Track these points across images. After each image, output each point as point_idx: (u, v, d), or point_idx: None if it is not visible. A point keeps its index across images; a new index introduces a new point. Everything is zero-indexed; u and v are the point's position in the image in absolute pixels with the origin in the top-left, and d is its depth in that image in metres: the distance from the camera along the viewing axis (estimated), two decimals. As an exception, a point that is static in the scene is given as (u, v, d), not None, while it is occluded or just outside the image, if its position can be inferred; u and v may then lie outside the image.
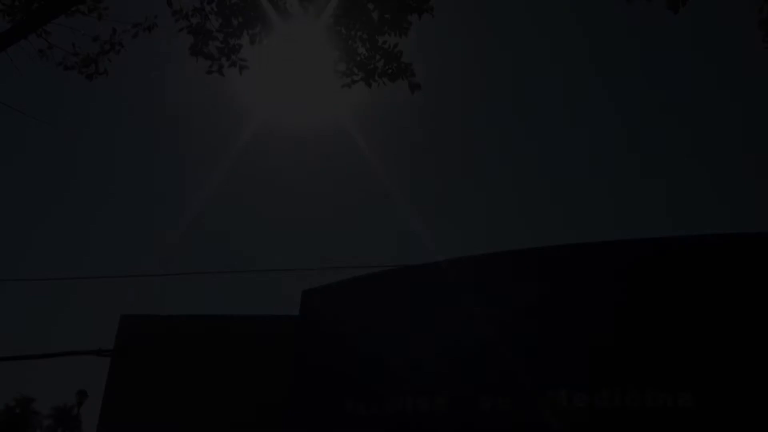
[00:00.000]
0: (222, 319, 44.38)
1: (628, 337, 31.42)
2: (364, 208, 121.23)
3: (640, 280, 30.96)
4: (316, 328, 37.31)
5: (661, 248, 32.82)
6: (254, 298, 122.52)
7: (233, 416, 41.03)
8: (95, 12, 14.67)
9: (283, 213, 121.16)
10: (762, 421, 28.51)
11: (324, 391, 37.58)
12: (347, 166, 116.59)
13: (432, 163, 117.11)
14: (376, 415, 35.70)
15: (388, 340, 36.09)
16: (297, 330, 40.21)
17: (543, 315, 31.44)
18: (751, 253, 30.13)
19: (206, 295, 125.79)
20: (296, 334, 40.15)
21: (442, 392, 34.27)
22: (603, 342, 31.89)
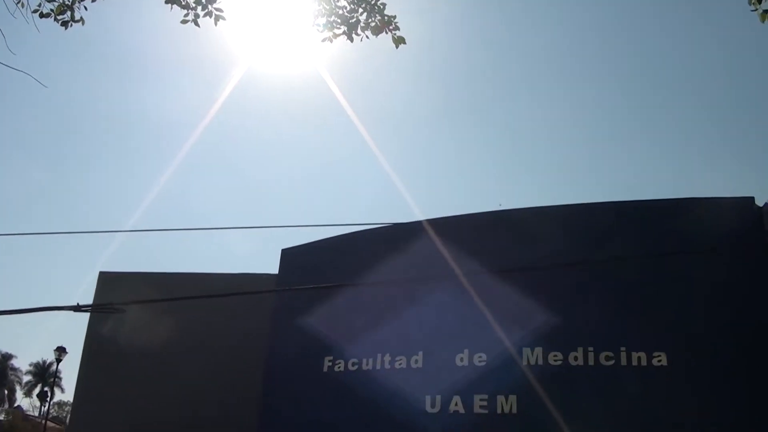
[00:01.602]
0: (201, 276, 44.40)
1: (603, 300, 31.87)
2: (345, 164, 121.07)
3: (610, 244, 31.26)
4: (295, 286, 37.37)
5: (631, 212, 33.17)
6: (232, 256, 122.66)
7: (212, 371, 41.26)
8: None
9: (263, 169, 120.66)
10: (730, 381, 29.23)
11: (302, 348, 37.83)
12: (328, 121, 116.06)
13: (416, 121, 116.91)
14: (354, 373, 36.08)
15: (365, 299, 36.31)
16: (276, 288, 40.28)
17: (520, 276, 31.68)
18: (715, 218, 30.58)
19: (184, 253, 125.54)
20: (275, 292, 40.25)
21: (419, 350, 34.68)
22: (579, 304, 32.36)
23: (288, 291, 38.47)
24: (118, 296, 35.34)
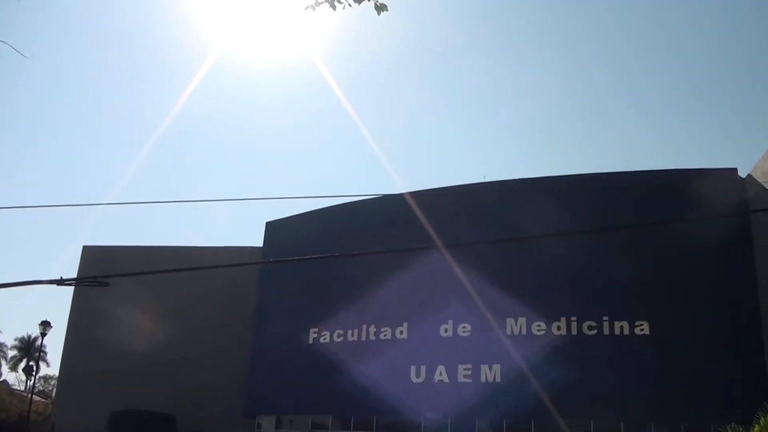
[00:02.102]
0: (186, 250, 44.32)
1: (585, 270, 32.10)
2: (328, 138, 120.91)
3: (594, 215, 31.41)
4: (279, 258, 37.39)
5: (616, 183, 33.30)
6: (217, 229, 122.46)
7: (197, 344, 41.36)
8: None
9: (245, 144, 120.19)
10: (712, 349, 29.62)
11: (288, 320, 37.97)
12: (310, 94, 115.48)
13: (400, 93, 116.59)
14: (339, 344, 36.28)
15: (350, 271, 36.41)
16: (261, 260, 40.27)
17: (503, 247, 31.87)
18: (700, 189, 30.77)
19: (169, 227, 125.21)
20: (260, 265, 40.27)
21: (404, 321, 34.91)
22: (563, 275, 32.59)
23: (272, 264, 38.47)
24: (101, 270, 35.19)
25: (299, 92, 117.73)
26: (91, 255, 46.56)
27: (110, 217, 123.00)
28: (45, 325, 37.25)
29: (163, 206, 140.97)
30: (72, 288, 47.11)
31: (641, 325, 31.16)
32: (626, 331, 31.31)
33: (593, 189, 33.16)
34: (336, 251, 31.55)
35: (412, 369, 33.68)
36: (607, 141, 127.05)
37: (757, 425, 11.92)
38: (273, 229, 42.25)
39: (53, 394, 63.90)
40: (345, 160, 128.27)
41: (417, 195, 36.00)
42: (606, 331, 31.54)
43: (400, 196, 36.07)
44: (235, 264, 35.30)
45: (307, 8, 12.67)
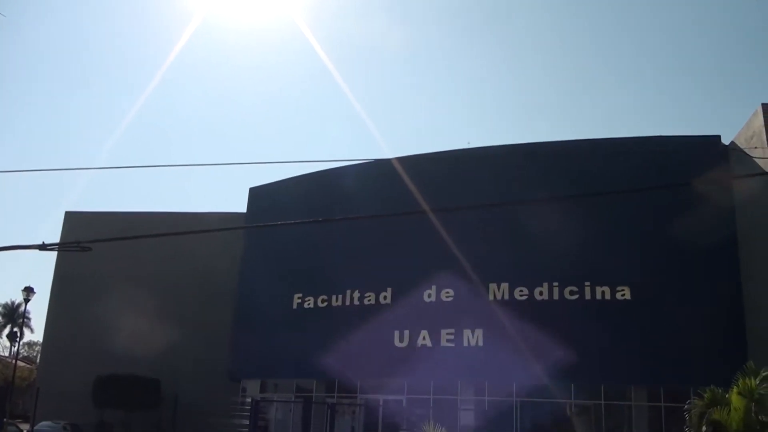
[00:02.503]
0: (169, 215, 44.15)
1: (567, 236, 32.26)
2: (313, 102, 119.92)
3: (578, 180, 31.50)
4: (263, 224, 37.35)
5: (600, 149, 33.36)
6: (201, 196, 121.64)
7: (181, 309, 41.42)
8: None
9: (230, 110, 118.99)
10: (692, 314, 29.98)
11: (272, 286, 38.02)
12: (296, 59, 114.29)
13: (386, 59, 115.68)
14: (324, 309, 36.41)
15: (334, 236, 36.42)
16: (245, 226, 40.20)
17: (486, 213, 31.93)
18: (683, 155, 30.93)
19: (152, 193, 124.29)
20: (244, 230, 40.17)
21: (388, 286, 35.07)
22: (545, 241, 32.73)
23: (256, 229, 38.39)
24: (84, 235, 35.00)
25: (284, 57, 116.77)
26: (74, 221, 46.37)
27: (94, 184, 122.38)
28: (28, 291, 37.07)
29: (146, 173, 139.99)
30: (55, 254, 46.94)
31: (623, 290, 31.46)
32: (608, 296, 31.62)
33: (577, 156, 33.16)
34: (320, 217, 31.52)
35: (396, 333, 33.92)
36: (591, 108, 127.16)
37: (735, 387, 12.07)
38: (257, 194, 42.14)
39: (37, 360, 63.92)
40: (330, 125, 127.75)
41: (402, 161, 35.92)
42: (588, 296, 31.83)
43: (385, 161, 36.01)
44: (219, 229, 35.24)
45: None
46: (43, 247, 15.55)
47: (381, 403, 36.15)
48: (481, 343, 32.33)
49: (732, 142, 31.94)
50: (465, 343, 32.60)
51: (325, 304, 36.35)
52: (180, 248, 40.89)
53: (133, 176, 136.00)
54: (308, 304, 36.82)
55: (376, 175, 35.76)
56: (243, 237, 40.84)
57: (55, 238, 47.24)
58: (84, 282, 43.53)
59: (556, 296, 32.08)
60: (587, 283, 31.87)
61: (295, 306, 37.25)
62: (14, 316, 75.29)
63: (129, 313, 41.13)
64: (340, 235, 36.12)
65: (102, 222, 43.00)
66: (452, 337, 32.89)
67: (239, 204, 76.52)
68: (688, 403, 13.24)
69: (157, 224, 38.98)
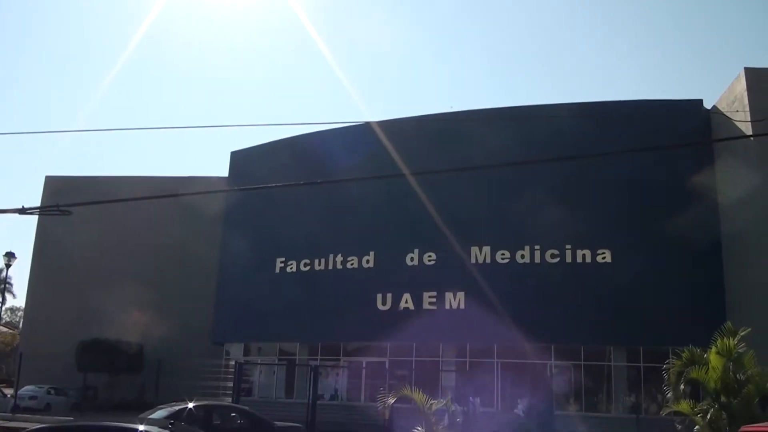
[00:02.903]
0: (150, 179, 43.86)
1: (548, 199, 32.44)
2: (294, 65, 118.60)
3: (559, 144, 31.51)
4: (245, 188, 37.28)
5: (581, 113, 33.39)
6: (183, 159, 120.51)
7: (163, 272, 41.35)
8: None
9: (210, 71, 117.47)
10: (670, 275, 30.39)
11: (254, 250, 37.99)
12: (276, 21, 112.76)
13: (368, 21, 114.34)
14: (306, 273, 36.50)
15: (316, 200, 36.37)
16: (226, 189, 40.04)
17: (469, 176, 31.99)
18: (666, 119, 31.06)
19: (134, 157, 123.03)
20: (225, 194, 40.03)
21: (371, 250, 35.18)
22: (527, 204, 32.89)
23: (239, 193, 38.27)
24: (65, 199, 34.77)
25: (266, 21, 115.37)
26: (55, 185, 45.94)
27: (74, 148, 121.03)
28: (9, 256, 36.91)
29: (127, 137, 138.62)
30: (36, 219, 46.61)
31: (603, 253, 31.81)
32: (588, 259, 31.96)
33: (558, 119, 33.10)
34: (302, 180, 31.41)
35: (378, 297, 34.13)
36: (573, 72, 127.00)
37: (714, 347, 12.27)
38: (239, 158, 41.91)
39: (20, 325, 63.78)
40: (312, 89, 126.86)
41: (384, 124, 35.81)
42: (568, 259, 32.16)
43: (367, 125, 35.88)
44: (201, 192, 35.04)
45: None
46: (23, 211, 15.42)
47: (364, 365, 36.52)
48: (462, 306, 32.64)
49: (714, 107, 32.06)
50: (447, 306, 32.90)
51: (308, 268, 36.44)
52: (162, 212, 40.73)
53: (114, 140, 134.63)
54: (291, 269, 36.90)
55: (359, 139, 35.63)
56: (225, 201, 40.71)
57: (36, 202, 46.80)
58: (66, 247, 43.29)
59: (537, 259, 32.39)
60: (568, 247, 32.18)
61: (277, 270, 37.32)
62: (-5, 282, 74.92)
63: (112, 278, 41.01)
64: (323, 199, 36.07)
65: (83, 186, 42.58)
66: (434, 300, 33.15)
67: (221, 169, 76.24)
68: (667, 363, 13.44)
69: (138, 188, 38.65)
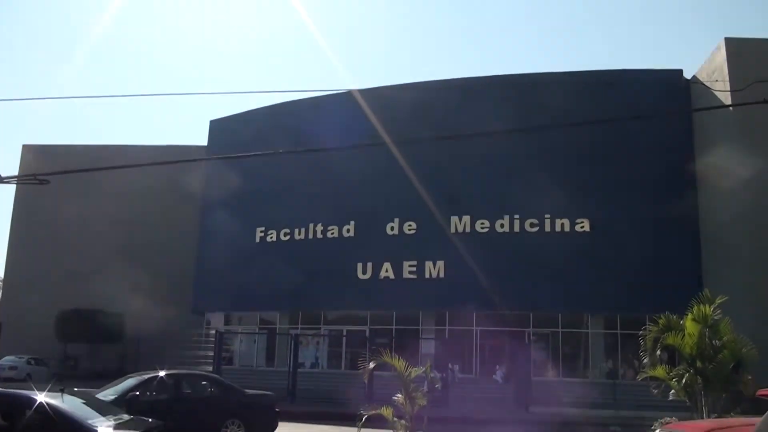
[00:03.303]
0: (129, 148, 43.49)
1: (528, 169, 32.59)
2: (273, 32, 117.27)
3: (539, 113, 31.52)
4: (224, 156, 36.99)
5: (562, 82, 33.41)
6: (162, 129, 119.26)
7: (144, 243, 41.15)
8: None
9: (188, 42, 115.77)
10: (648, 245, 30.74)
11: (234, 219, 37.84)
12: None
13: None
14: (287, 242, 36.47)
15: (296, 169, 36.22)
16: (205, 158, 39.76)
17: (449, 145, 32.00)
18: (645, 89, 31.16)
19: (112, 126, 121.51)
20: (205, 163, 39.74)
21: (351, 219, 35.18)
22: (507, 174, 33.02)
23: (218, 162, 37.98)
24: (42, 168, 34.41)
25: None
26: (32, 154, 45.48)
27: (51, 116, 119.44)
28: (-14, 225, 36.56)
29: (106, 106, 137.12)
30: (13, 188, 46.20)
31: (582, 222, 32.09)
32: (567, 229, 32.25)
33: (537, 88, 33.08)
34: (282, 149, 31.22)
35: (359, 266, 34.23)
36: (552, 40, 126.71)
37: (690, 314, 12.44)
38: (217, 127, 41.58)
39: (-1, 295, 63.40)
40: (292, 57, 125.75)
41: (365, 93, 35.65)
42: (548, 229, 32.43)
43: (349, 93, 35.67)
44: (180, 160, 34.74)
45: None
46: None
47: (344, 333, 36.76)
48: (442, 275, 32.87)
49: (694, 77, 32.21)
50: (427, 275, 33.11)
51: (288, 237, 36.41)
52: (142, 182, 40.39)
53: (93, 109, 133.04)
54: (271, 238, 36.86)
55: (340, 107, 35.43)
56: (204, 170, 40.44)
57: (13, 171, 46.29)
58: (44, 216, 42.98)
59: (516, 229, 32.61)
60: (547, 216, 32.41)
61: (257, 240, 37.27)
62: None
63: (91, 247, 40.77)
64: (303, 168, 35.91)
65: (61, 155, 42.09)
66: (414, 269, 33.33)
67: (201, 138, 75.55)
68: (644, 329, 13.62)
69: (117, 157, 38.31)
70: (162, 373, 14.83)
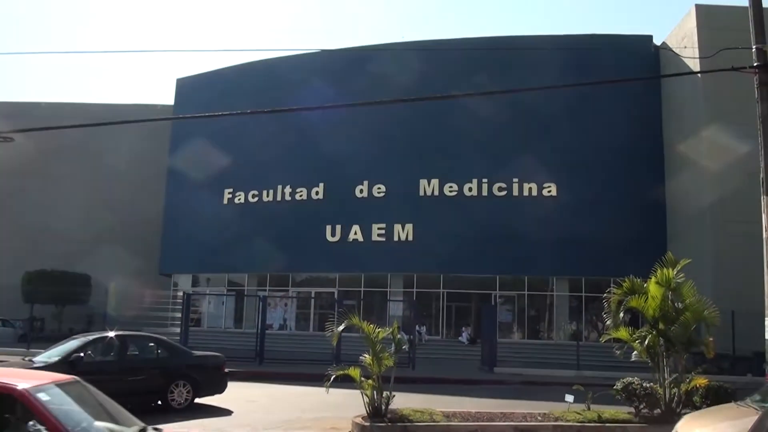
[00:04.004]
0: (94, 106, 42.70)
1: (497, 133, 32.71)
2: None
3: (508, 76, 31.49)
4: (190, 115, 36.52)
5: (532, 46, 33.34)
6: (128, 87, 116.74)
7: (111, 203, 40.63)
8: None
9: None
10: (612, 208, 31.12)
11: (201, 180, 37.47)
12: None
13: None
14: (255, 204, 36.26)
15: (265, 130, 35.91)
16: (171, 117, 39.19)
17: (417, 107, 32.02)
18: (615, 54, 31.28)
19: (77, 83, 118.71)
20: (172, 123, 39.14)
21: (320, 181, 35.05)
22: (475, 138, 33.09)
23: (185, 122, 37.47)
24: (6, 126, 33.70)
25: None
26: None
27: (16, 73, 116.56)
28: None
29: (72, 63, 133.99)
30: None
31: (549, 186, 32.41)
32: (534, 193, 32.56)
33: (507, 51, 32.92)
34: (249, 109, 30.86)
35: (328, 228, 34.22)
36: (522, 3, 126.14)
37: (653, 277, 12.60)
38: (185, 86, 40.89)
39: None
40: (263, 15, 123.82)
41: (335, 53, 35.36)
42: (515, 193, 32.71)
43: (318, 53, 35.29)
44: (146, 119, 34.26)
45: None
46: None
47: (313, 295, 36.87)
48: (411, 238, 33.04)
49: (663, 43, 32.38)
50: (396, 238, 33.26)
51: (256, 199, 36.20)
52: (108, 141, 39.73)
53: (58, 66, 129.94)
54: (239, 199, 36.61)
55: (310, 67, 35.13)
56: (171, 130, 39.84)
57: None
58: (9, 175, 42.04)
59: (485, 192, 32.83)
60: (515, 180, 32.66)
61: (225, 201, 37.00)
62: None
63: (57, 207, 40.19)
64: (272, 130, 35.64)
65: (25, 112, 41.03)
66: (383, 231, 33.45)
67: (168, 97, 74.35)
68: (607, 292, 13.79)
69: (82, 115, 37.50)
70: (108, 334, 14.64)
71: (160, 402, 14.02)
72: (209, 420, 13.08)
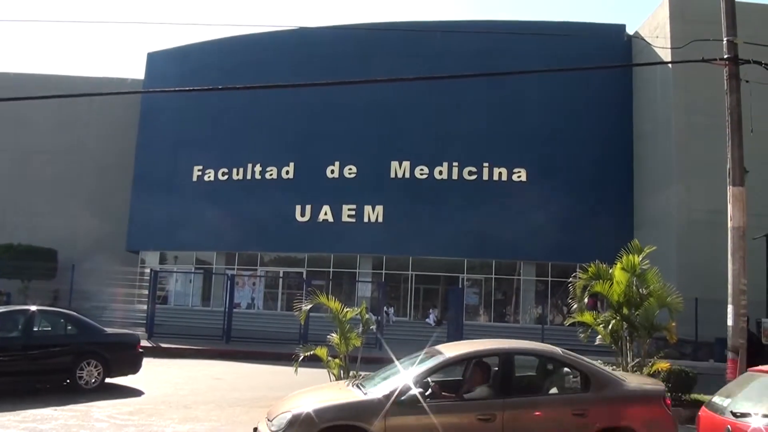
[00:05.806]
0: (62, 78, 41.96)
1: (467, 118, 32.83)
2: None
3: (481, 62, 31.54)
4: (161, 89, 36.09)
5: (505, 32, 33.40)
6: (97, 60, 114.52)
7: (78, 178, 40.10)
8: None
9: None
10: (581, 195, 31.47)
11: (171, 157, 37.11)
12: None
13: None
14: (225, 182, 36.01)
15: (236, 107, 35.62)
16: (141, 91, 38.68)
17: (389, 89, 32.04)
18: (587, 42, 31.46)
19: (44, 54, 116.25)
20: (141, 97, 38.60)
21: (290, 161, 34.90)
22: (446, 122, 33.19)
23: (155, 96, 36.98)
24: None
25: None
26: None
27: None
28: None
29: (39, 33, 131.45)
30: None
31: (519, 171, 32.67)
32: (504, 177, 32.80)
33: (479, 36, 32.82)
34: (221, 86, 30.56)
35: (298, 208, 34.11)
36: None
37: (619, 263, 12.78)
38: (156, 60, 40.18)
39: None
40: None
41: (308, 32, 35.08)
42: (485, 177, 32.92)
43: (293, 31, 34.96)
44: (114, 92, 33.79)
45: None
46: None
47: (281, 275, 36.81)
48: (381, 219, 33.13)
49: (636, 33, 32.64)
50: (365, 219, 33.30)
51: (226, 177, 35.90)
52: (75, 115, 39.18)
53: (25, 36, 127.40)
54: (208, 177, 36.25)
55: (283, 45, 34.87)
56: (141, 104, 39.27)
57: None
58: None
59: (455, 176, 32.99)
60: (485, 164, 32.87)
61: (194, 178, 36.61)
62: None
63: (22, 181, 39.56)
64: (243, 107, 35.39)
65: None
66: (353, 212, 33.47)
67: (137, 71, 73.22)
68: (573, 277, 13.95)
69: (49, 87, 36.92)
70: (12, 308, 14.18)
71: (68, 381, 13.34)
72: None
